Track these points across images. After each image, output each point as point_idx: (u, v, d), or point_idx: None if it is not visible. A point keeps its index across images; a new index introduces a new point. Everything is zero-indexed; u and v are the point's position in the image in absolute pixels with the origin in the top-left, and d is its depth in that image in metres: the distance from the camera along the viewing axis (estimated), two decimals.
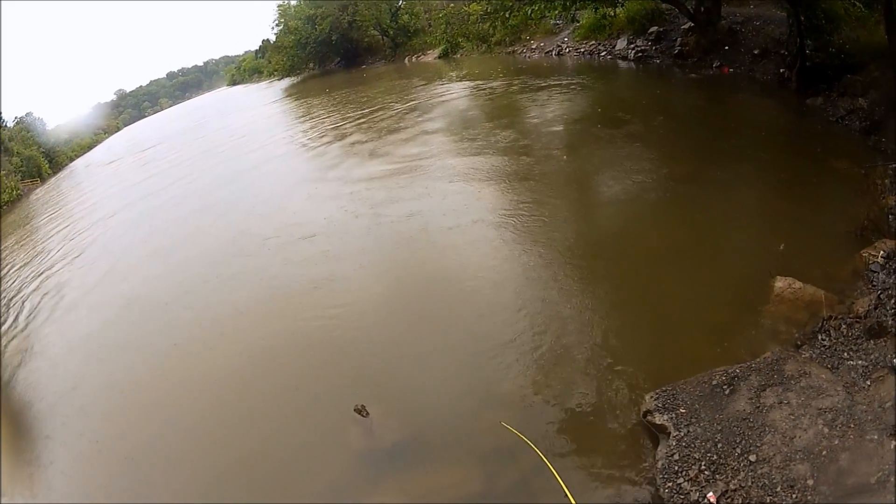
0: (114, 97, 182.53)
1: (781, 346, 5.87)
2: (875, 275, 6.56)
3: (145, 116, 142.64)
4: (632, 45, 25.07)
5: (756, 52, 19.01)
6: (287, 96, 44.91)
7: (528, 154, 12.72)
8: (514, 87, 21.49)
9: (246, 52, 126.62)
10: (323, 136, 19.21)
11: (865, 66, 14.38)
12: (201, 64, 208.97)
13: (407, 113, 18.84)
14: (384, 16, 50.59)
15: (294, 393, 7.40)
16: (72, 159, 65.77)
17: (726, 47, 20.04)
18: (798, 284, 6.26)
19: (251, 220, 13.48)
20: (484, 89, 22.31)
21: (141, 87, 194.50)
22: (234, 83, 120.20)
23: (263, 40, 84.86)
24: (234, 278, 10.81)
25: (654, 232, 8.28)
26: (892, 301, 5.90)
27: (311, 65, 58.58)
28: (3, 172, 49.73)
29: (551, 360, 6.77)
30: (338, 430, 6.59)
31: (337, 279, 9.67)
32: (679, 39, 22.84)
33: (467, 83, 24.72)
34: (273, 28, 61.60)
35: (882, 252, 6.91)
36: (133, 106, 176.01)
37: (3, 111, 70.27)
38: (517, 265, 8.32)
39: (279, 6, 58.78)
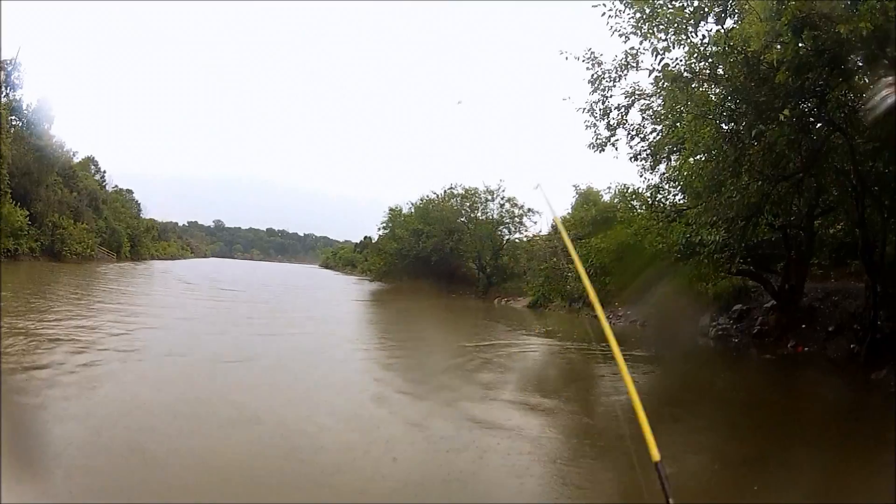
0: (212, 224, 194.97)
1: None
2: None
3: (234, 257, 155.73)
4: (714, 323, 24.97)
5: (830, 328, 19.06)
6: (374, 301, 45.77)
7: (591, 418, 12.46)
8: (594, 352, 21.21)
9: (346, 242, 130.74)
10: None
11: None
12: (301, 235, 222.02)
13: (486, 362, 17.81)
14: (486, 251, 52.31)
15: None
16: (153, 256, 68.38)
17: (803, 325, 20.11)
18: None
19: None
20: (565, 351, 22.08)
21: (240, 227, 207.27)
22: (326, 266, 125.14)
23: (366, 237, 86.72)
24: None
25: None
26: None
27: (404, 277, 57.77)
28: (83, 225, 53.12)
29: None
30: None
31: None
32: (760, 318, 23.01)
33: (549, 339, 24.35)
34: (379, 229, 62.92)
35: None
36: (226, 241, 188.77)
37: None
38: None
39: (391, 210, 60.21)
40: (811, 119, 14.19)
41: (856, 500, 7.63)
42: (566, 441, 10.51)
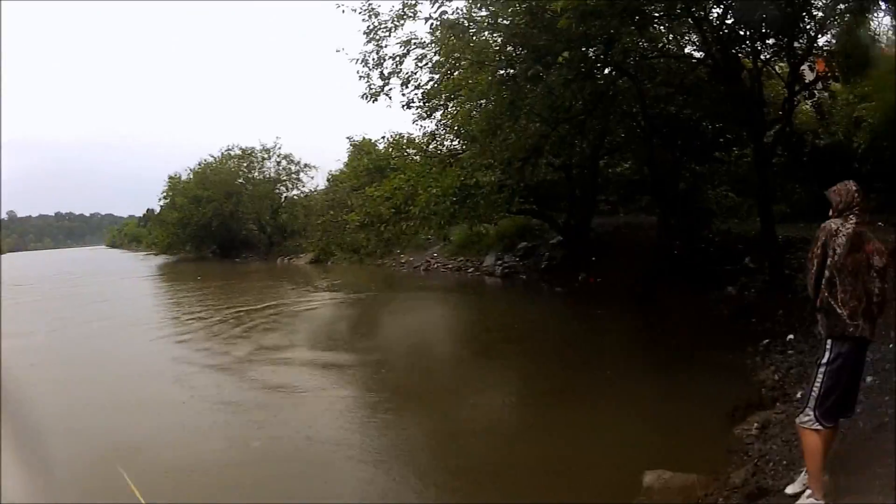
0: (5, 217, 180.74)
1: None
2: (750, 446, 6.53)
3: (28, 249, 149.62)
4: (500, 262, 25.72)
5: (623, 259, 19.65)
6: (161, 274, 44.00)
7: (391, 370, 12.16)
8: (381, 300, 21.57)
9: (130, 217, 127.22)
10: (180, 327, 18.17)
11: (736, 255, 15.34)
12: (88, 215, 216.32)
13: (271, 316, 18.36)
14: (265, 211, 51.25)
15: None
16: None
17: (594, 258, 20.77)
18: (668, 474, 6.01)
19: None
20: (351, 301, 22.17)
21: (31, 216, 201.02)
22: (112, 245, 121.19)
23: (148, 209, 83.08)
24: None
25: (519, 449, 7.86)
26: (771, 464, 5.87)
27: (188, 247, 57.24)
28: None
29: None
30: None
31: None
32: (547, 254, 23.73)
33: (336, 293, 24.39)
34: (160, 200, 60.09)
35: (756, 424, 6.97)
36: (20, 234, 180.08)
37: None
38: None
39: (170, 178, 57.74)
40: (597, 64, 14.10)
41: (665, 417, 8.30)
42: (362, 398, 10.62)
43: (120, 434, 8.78)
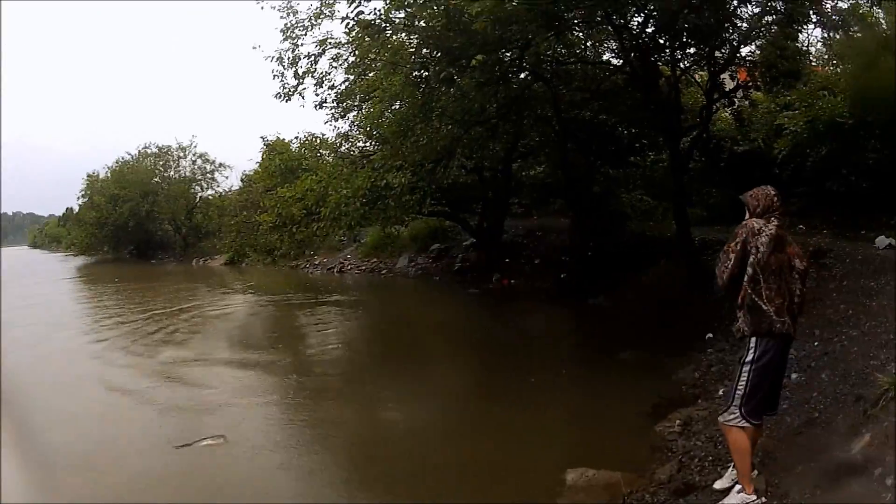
0: None
1: None
2: (674, 443, 6.55)
3: None
4: (412, 263, 26.08)
5: (537, 261, 20.18)
6: (80, 276, 42.38)
7: (307, 374, 11.85)
8: (295, 303, 21.15)
9: (51, 216, 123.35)
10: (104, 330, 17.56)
11: (652, 256, 15.46)
12: (10, 214, 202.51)
13: (186, 321, 17.86)
14: (180, 211, 50.26)
15: None
16: None
17: (507, 260, 21.06)
18: (591, 472, 6.12)
19: None
20: (264, 303, 21.90)
21: None
22: (34, 245, 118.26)
23: (68, 208, 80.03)
24: None
25: (437, 452, 7.74)
26: (696, 460, 5.89)
27: (106, 248, 55.64)
28: None
29: None
30: None
31: None
32: (461, 255, 23.98)
33: (249, 295, 24.26)
34: (78, 198, 58.26)
35: (678, 421, 7.00)
36: None
37: None
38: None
39: (88, 176, 55.76)
40: (512, 68, 14.10)
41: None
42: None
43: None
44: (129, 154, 54.52)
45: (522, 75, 15.08)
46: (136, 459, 7.65)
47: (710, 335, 10.21)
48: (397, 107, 15.27)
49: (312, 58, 16.31)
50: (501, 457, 7.31)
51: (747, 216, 4.74)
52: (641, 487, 5.78)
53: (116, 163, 54.63)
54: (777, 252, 4.56)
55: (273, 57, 16.39)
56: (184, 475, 7.16)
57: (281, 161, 23.56)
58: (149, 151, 53.75)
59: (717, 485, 5.12)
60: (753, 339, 4.60)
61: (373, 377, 11.83)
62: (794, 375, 6.81)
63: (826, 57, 15.70)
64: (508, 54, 13.38)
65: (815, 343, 7.48)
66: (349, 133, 20.64)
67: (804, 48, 13.98)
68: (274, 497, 6.67)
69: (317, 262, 32.22)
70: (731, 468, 5.02)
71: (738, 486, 4.68)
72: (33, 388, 11.41)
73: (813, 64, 15.11)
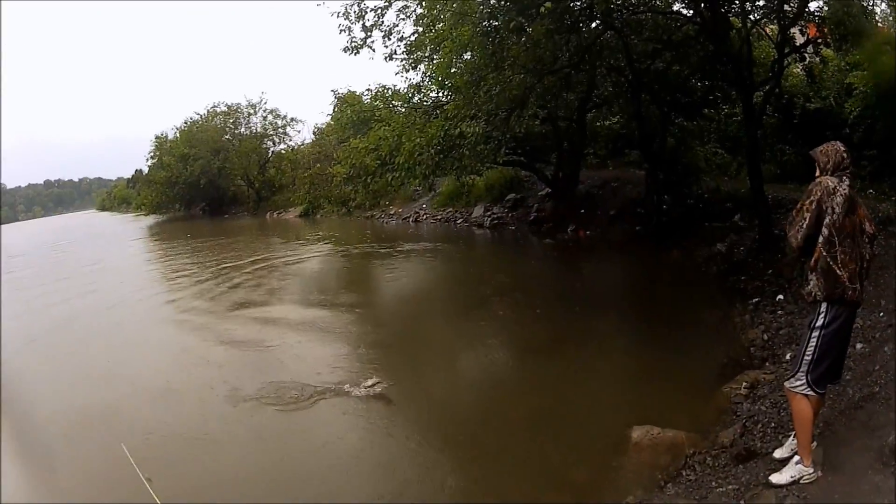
0: None
1: (644, 489, 5.64)
2: (739, 406, 6.53)
3: (19, 220, 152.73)
4: (488, 213, 25.92)
5: (612, 213, 19.93)
6: (151, 235, 43.24)
7: (381, 325, 12.35)
8: (371, 252, 21.47)
9: (118, 179, 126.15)
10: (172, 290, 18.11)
11: (726, 212, 15.37)
12: (77, 180, 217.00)
13: (263, 274, 18.37)
14: (252, 167, 51.04)
15: None
16: None
17: (582, 211, 20.89)
18: (656, 430, 6.11)
19: None
20: (341, 254, 22.29)
21: (20, 187, 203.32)
22: (103, 208, 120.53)
23: (137, 170, 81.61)
24: None
25: (508, 402, 7.94)
26: (759, 426, 5.90)
27: (178, 206, 57.19)
28: None
29: None
30: None
31: None
32: (536, 206, 23.88)
33: (325, 246, 24.71)
34: (147, 160, 59.98)
35: (745, 383, 6.96)
36: (9, 205, 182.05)
37: None
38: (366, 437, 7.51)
39: (157, 138, 57.44)
40: (582, 17, 13.87)
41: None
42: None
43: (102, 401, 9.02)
44: (197, 113, 55.63)
45: (593, 24, 14.75)
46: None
47: (781, 297, 10.03)
48: (468, 57, 15.22)
49: (379, 10, 16.37)
50: (569, 409, 7.47)
51: (817, 173, 4.59)
52: (704, 450, 5.84)
53: (185, 123, 55.88)
54: (850, 214, 4.41)
55: (339, 13, 16.47)
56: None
57: (353, 113, 24.00)
58: (217, 110, 54.59)
59: (777, 454, 5.09)
60: (825, 305, 4.46)
61: (446, 328, 12.17)
62: (858, 345, 6.65)
63: (891, 18, 15.09)
64: (578, 2, 13.21)
65: (881, 314, 7.29)
66: (421, 84, 20.40)
67: (869, 6, 13.39)
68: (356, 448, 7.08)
69: (392, 213, 32.38)
70: (791, 437, 4.98)
71: (796, 458, 4.64)
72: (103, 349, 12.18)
73: (879, 24, 14.53)
